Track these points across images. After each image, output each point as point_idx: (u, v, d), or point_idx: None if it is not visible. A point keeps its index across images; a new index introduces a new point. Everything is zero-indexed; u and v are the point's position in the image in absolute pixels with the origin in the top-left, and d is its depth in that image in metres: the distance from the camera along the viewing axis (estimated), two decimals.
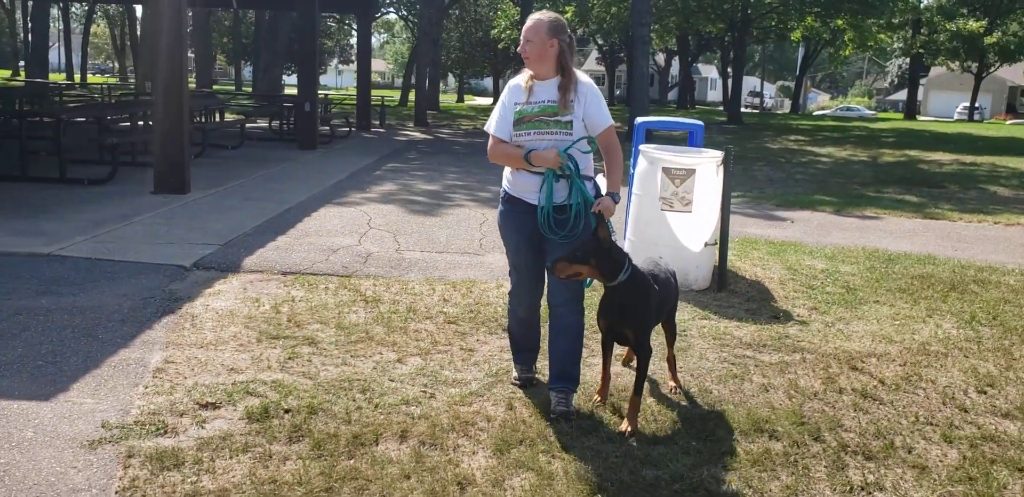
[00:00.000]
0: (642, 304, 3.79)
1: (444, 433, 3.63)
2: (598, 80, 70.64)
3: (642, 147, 6.62)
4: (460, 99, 54.65)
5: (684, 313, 5.68)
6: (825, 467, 3.50)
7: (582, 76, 3.90)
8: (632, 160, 6.93)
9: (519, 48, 3.88)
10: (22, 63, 49.63)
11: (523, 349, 4.33)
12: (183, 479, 3.16)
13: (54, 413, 3.69)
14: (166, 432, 3.55)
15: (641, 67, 21.09)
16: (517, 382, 4.28)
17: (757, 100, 60.28)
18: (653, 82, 49.87)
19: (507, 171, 4.03)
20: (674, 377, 4.32)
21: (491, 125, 3.97)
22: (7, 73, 48.09)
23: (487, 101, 53.93)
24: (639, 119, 7.49)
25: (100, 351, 4.47)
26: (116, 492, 3.05)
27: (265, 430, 3.59)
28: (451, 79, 63.15)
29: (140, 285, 5.76)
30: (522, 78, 3.94)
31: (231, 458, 3.35)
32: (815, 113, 58.44)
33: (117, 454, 3.34)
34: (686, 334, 5.20)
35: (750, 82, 61.90)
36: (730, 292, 6.28)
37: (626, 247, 6.66)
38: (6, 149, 10.69)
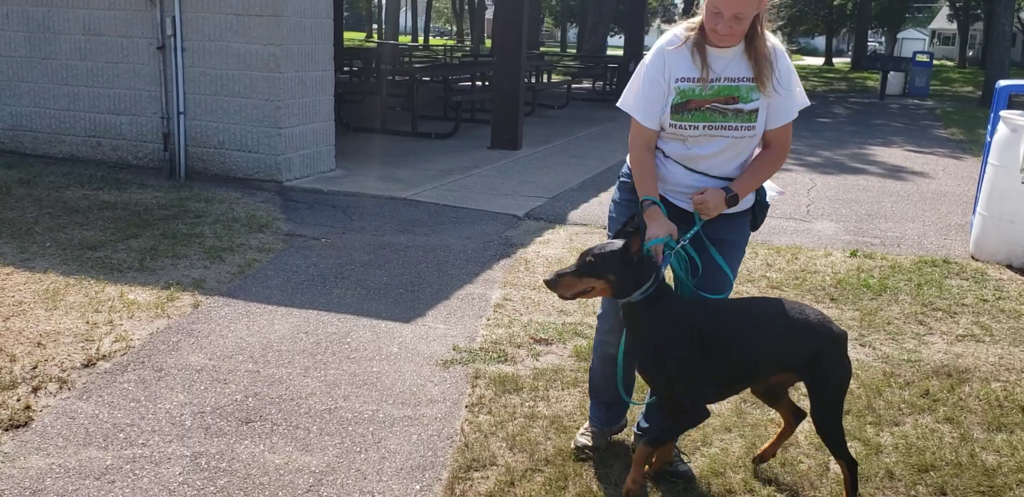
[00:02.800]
0: (659, 336, 2.68)
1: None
2: (947, 40, 63.68)
3: (1003, 113, 5.99)
4: None
5: None
6: None
7: (771, 38, 2.72)
8: (990, 127, 6.30)
9: (722, 27, 2.59)
10: (374, 26, 54.98)
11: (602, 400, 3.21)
12: (522, 402, 3.49)
13: (413, 334, 4.22)
14: (506, 360, 3.92)
15: (1003, 24, 18.80)
16: (578, 450, 3.10)
17: None
18: (1015, 42, 44.12)
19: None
20: None
21: (629, 102, 2.81)
22: (362, 35, 53.46)
23: (818, 61, 50.90)
24: (1001, 82, 6.76)
25: (449, 284, 5.00)
26: (466, 406, 3.45)
27: None
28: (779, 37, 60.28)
29: (480, 230, 6.30)
30: (681, 39, 2.72)
31: (562, 389, 3.63)
32: None
33: (466, 374, 3.75)
34: None
35: None
36: None
37: (975, 222, 6.12)
38: (368, 104, 12.02)
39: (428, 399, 3.52)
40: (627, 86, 2.84)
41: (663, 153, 2.84)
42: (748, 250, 5.91)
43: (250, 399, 3.45)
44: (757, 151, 2.85)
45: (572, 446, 3.12)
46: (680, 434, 2.81)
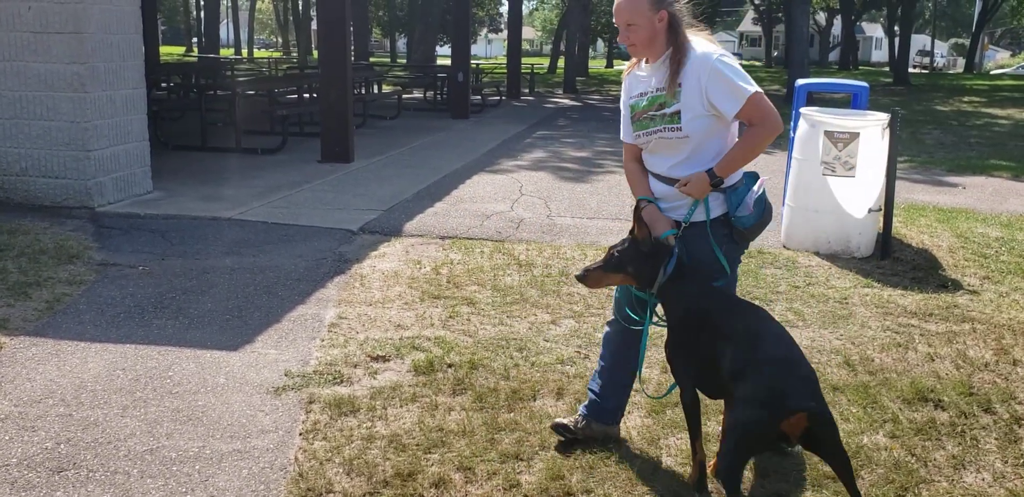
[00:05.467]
0: (673, 313, 2.97)
1: None
2: (754, 41, 67.91)
3: (803, 110, 6.42)
4: (609, 64, 53.99)
5: (845, 280, 5.53)
6: (996, 439, 3.38)
7: (697, 45, 2.94)
8: (792, 123, 6.74)
9: (620, 37, 2.99)
10: (194, 39, 52.91)
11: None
12: (359, 424, 3.42)
13: (242, 362, 4.05)
14: (342, 381, 3.83)
15: (800, 27, 20.20)
16: (555, 428, 3.36)
17: (927, 60, 56.49)
18: (813, 42, 47.53)
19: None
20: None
21: (621, 130, 3.20)
22: (181, 49, 51.28)
23: None
24: (800, 81, 7.25)
25: (280, 307, 4.83)
26: (300, 434, 3.34)
27: (431, 382, 3.81)
28: (600, 44, 62.40)
29: (313, 247, 6.14)
30: (634, 62, 3.14)
31: (401, 407, 3.58)
32: (992, 72, 54.20)
33: (299, 400, 3.63)
34: (847, 302, 5.07)
35: (919, 40, 58.00)
36: (894, 260, 6.05)
37: (784, 213, 6.52)
38: (188, 121, 11.51)
39: (259, 430, 3.38)
40: None
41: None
42: (577, 252, 6.08)
43: (62, 446, 3.20)
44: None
45: (550, 425, 3.33)
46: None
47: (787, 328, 4.49)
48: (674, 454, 3.23)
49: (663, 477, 3.07)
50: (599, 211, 7.64)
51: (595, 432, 3.28)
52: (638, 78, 3.08)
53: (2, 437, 3.25)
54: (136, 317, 4.60)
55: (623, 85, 3.16)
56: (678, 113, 2.91)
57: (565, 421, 3.31)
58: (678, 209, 3.02)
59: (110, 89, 7.18)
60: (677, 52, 2.92)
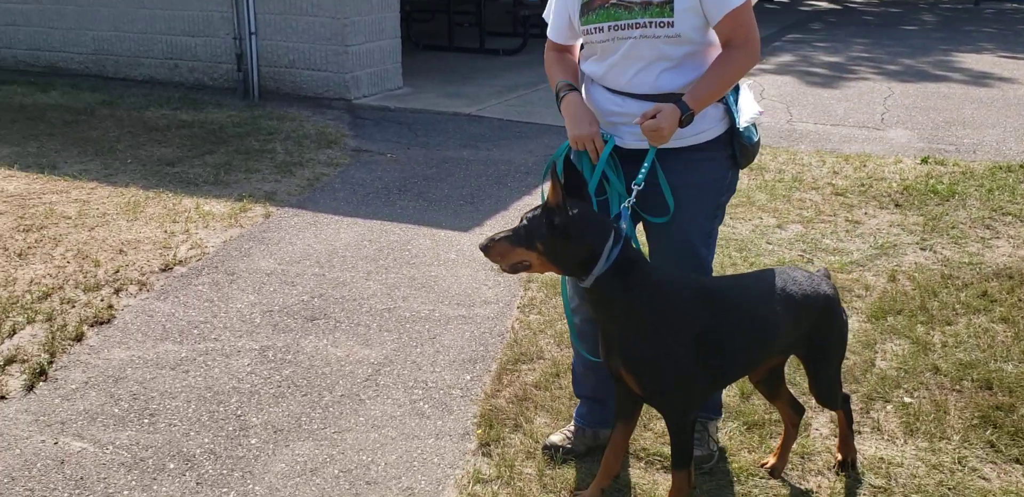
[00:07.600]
0: (646, 324, 2.06)
1: None
2: None
3: None
4: None
5: None
6: None
7: None
8: None
9: None
10: None
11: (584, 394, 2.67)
12: None
13: (471, 242, 4.33)
14: None
15: None
16: (546, 449, 2.58)
17: None
18: None
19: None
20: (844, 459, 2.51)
21: (552, 24, 2.45)
22: None
23: None
24: None
25: (508, 196, 5.08)
26: (518, 307, 3.58)
27: None
28: None
29: (542, 144, 6.32)
30: None
31: None
32: None
33: (519, 278, 3.86)
34: None
35: None
36: None
37: None
38: (437, 22, 11.93)
39: (482, 300, 3.65)
40: None
41: (590, 78, 2.43)
42: (815, 158, 5.83)
43: (315, 299, 3.64)
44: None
45: (541, 446, 2.58)
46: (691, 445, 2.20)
47: None
48: (889, 358, 3.15)
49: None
50: (845, 118, 7.21)
51: (603, 440, 2.52)
52: None
53: (268, 288, 3.75)
54: (383, 197, 5.03)
55: None
56: (671, 3, 2.18)
57: (557, 441, 2.59)
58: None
59: None
60: None
